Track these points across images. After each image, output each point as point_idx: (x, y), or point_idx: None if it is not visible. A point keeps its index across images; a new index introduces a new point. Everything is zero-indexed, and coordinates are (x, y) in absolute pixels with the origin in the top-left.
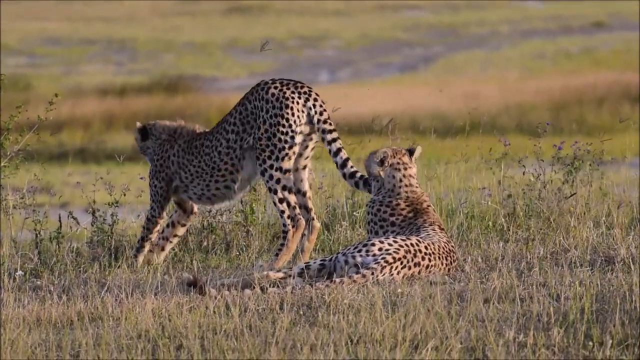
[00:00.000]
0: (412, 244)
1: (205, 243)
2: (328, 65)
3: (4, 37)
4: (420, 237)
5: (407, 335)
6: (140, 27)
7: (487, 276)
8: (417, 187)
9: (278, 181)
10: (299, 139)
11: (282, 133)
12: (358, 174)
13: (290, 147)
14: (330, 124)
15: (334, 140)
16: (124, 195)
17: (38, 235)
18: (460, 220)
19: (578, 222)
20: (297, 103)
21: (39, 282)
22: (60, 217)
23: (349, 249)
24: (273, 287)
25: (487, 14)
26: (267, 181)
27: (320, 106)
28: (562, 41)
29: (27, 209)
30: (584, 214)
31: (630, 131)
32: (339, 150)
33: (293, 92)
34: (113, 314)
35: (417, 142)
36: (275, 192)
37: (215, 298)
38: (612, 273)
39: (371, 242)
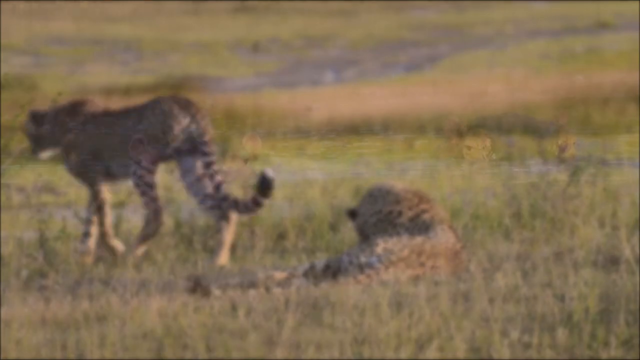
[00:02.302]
0: (416, 244)
1: (210, 243)
2: (333, 65)
3: (9, 36)
4: (426, 237)
5: (412, 335)
6: (146, 27)
7: (491, 276)
8: None
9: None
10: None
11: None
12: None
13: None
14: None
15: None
16: (129, 195)
17: (43, 235)
18: (465, 220)
19: (583, 223)
20: (180, 123)
21: (44, 282)
22: (65, 217)
23: (354, 249)
24: (278, 287)
25: (492, 13)
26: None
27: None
28: (567, 41)
29: (31, 209)
30: (589, 214)
31: (635, 132)
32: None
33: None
34: (118, 314)
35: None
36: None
37: (220, 298)
38: (617, 273)
39: (375, 242)
